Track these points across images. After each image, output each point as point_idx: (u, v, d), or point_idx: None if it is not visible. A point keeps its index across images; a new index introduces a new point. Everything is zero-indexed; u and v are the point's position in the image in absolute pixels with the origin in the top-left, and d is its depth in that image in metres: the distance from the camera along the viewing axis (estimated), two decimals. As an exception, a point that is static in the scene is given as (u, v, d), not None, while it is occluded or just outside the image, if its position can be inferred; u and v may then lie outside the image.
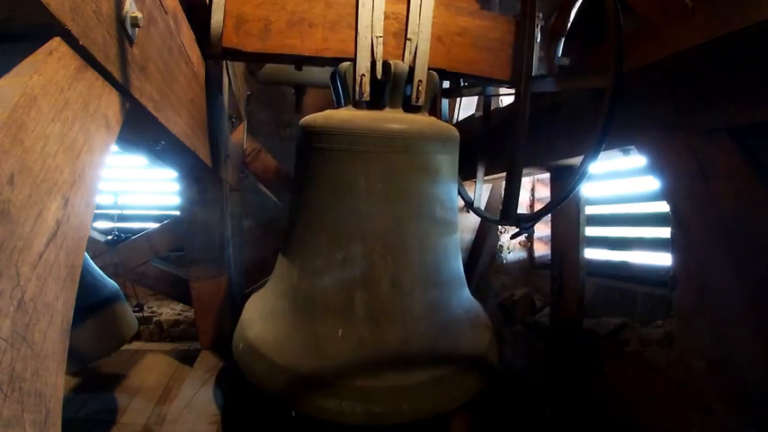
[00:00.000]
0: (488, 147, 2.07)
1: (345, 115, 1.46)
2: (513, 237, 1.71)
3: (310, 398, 1.31)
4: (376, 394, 1.30)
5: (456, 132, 1.57)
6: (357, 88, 1.45)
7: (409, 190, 1.45)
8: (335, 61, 1.47)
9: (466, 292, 1.68)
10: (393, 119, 1.47)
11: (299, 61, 1.55)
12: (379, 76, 1.47)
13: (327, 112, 1.49)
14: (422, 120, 1.50)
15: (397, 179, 1.43)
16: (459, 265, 1.63)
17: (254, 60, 1.71)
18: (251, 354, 1.44)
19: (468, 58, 1.60)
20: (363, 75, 1.45)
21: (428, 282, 1.49)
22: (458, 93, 2.25)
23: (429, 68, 1.51)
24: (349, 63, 1.46)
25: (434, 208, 1.50)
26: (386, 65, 1.46)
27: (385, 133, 1.41)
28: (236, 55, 1.47)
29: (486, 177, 2.13)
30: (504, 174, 1.62)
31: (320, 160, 1.46)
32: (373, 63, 1.46)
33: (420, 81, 1.48)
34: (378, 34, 1.45)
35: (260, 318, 1.55)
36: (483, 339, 1.58)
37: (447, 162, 1.53)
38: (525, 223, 1.57)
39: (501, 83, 1.71)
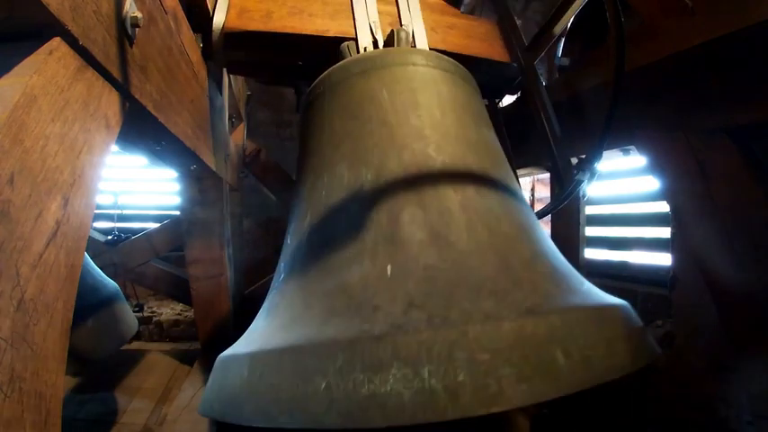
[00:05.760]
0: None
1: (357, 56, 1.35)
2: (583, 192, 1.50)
3: (353, 384, 0.61)
4: (498, 337, 0.63)
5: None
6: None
7: (443, 101, 1.12)
8: (336, 41, 1.47)
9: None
10: (409, 48, 1.33)
11: (301, 52, 1.60)
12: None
13: None
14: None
15: (427, 90, 1.13)
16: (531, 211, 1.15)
17: (255, 59, 1.73)
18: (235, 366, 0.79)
19: (464, 44, 1.73)
20: (366, 47, 1.43)
21: (502, 202, 0.99)
22: None
23: (430, 49, 1.50)
24: (351, 42, 1.44)
25: (482, 130, 1.15)
26: (390, 35, 1.42)
27: (405, 51, 1.25)
28: (238, 42, 1.50)
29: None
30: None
31: (331, 96, 1.18)
32: (375, 43, 1.44)
33: None
34: (373, 20, 1.49)
35: (252, 330, 0.97)
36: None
37: (476, 97, 1.27)
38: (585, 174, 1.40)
39: (501, 64, 1.81)
